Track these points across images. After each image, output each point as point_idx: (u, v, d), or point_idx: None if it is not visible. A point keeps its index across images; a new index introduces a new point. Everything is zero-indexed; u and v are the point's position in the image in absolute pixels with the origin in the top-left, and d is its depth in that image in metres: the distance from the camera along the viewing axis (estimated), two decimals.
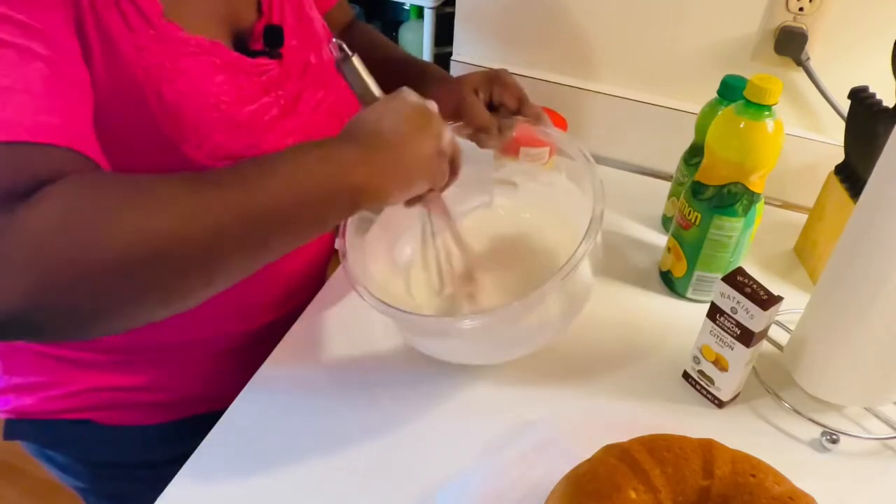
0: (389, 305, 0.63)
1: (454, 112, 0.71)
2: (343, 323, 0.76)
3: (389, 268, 0.76)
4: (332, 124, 0.71)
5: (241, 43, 0.64)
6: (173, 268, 0.45)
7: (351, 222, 0.69)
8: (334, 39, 0.61)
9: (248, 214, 0.48)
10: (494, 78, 0.74)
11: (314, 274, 0.81)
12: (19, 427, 0.76)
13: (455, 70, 1.11)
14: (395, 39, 1.80)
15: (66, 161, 0.47)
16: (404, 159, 0.56)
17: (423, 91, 0.78)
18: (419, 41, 1.64)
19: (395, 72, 0.82)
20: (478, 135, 0.72)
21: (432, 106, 0.60)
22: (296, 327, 0.75)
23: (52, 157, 0.46)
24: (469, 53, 1.11)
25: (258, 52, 0.65)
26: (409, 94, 0.60)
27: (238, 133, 0.61)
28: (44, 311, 0.42)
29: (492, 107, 0.74)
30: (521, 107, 0.72)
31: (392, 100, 0.59)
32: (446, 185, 0.63)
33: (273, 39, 0.66)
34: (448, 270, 0.73)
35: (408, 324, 0.68)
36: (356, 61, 0.62)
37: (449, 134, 0.60)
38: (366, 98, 0.62)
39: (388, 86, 0.82)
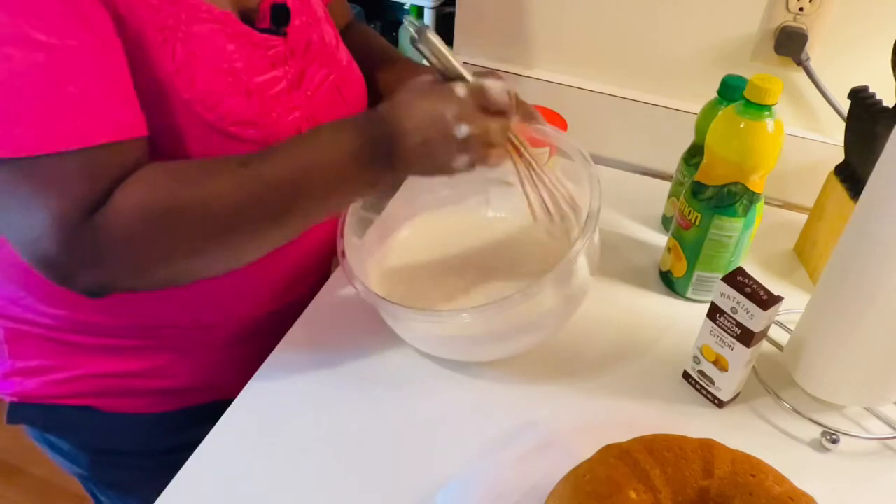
0: (387, 300, 0.64)
1: None
2: (346, 319, 0.76)
3: (383, 265, 0.77)
4: (335, 101, 0.73)
5: (247, 21, 0.66)
6: (228, 234, 0.57)
7: (349, 223, 0.70)
8: (406, 18, 0.62)
9: (265, 183, 0.57)
10: (484, 78, 0.73)
11: (320, 261, 0.82)
12: (22, 411, 0.77)
13: None
14: (395, 39, 1.80)
15: (133, 151, 0.55)
16: (411, 152, 0.59)
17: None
18: None
19: (382, 71, 0.82)
20: None
21: (458, 96, 0.60)
22: (301, 320, 0.76)
23: (123, 152, 0.55)
24: (469, 53, 1.11)
25: (265, 29, 0.66)
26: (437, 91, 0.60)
27: (249, 100, 0.63)
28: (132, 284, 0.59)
29: None
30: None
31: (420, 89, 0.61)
32: (493, 158, 0.63)
33: (280, 17, 0.68)
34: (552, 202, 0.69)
35: (403, 317, 0.68)
36: (431, 35, 0.60)
37: (472, 124, 0.60)
38: (448, 74, 0.62)
39: (372, 84, 0.82)
